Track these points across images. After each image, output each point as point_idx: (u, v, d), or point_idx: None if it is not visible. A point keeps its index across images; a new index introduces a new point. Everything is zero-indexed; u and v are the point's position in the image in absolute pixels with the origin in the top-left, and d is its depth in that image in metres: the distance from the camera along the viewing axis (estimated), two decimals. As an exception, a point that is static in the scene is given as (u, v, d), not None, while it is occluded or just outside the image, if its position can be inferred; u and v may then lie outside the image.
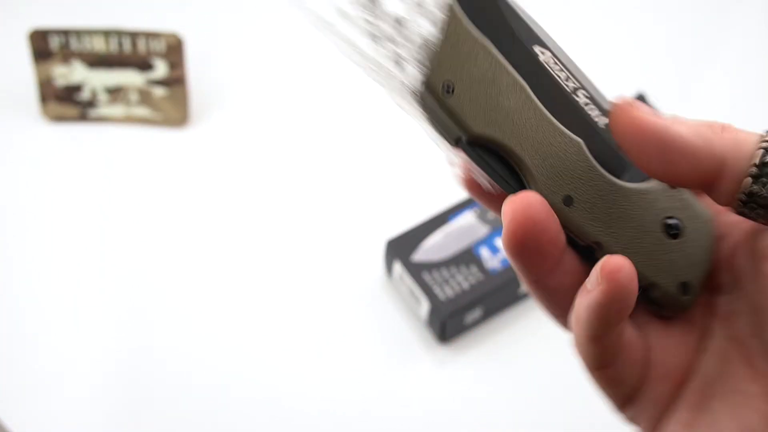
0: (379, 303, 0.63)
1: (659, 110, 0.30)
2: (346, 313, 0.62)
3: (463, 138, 0.31)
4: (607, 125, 0.32)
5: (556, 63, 0.33)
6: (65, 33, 0.69)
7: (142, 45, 0.70)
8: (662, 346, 0.31)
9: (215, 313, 0.63)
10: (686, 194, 0.32)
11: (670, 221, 0.32)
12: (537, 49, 0.32)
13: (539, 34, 0.33)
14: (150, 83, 0.71)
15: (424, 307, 0.60)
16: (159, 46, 0.70)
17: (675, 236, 0.31)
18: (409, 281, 0.61)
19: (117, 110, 0.72)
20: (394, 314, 0.62)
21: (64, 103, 0.72)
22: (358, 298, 0.63)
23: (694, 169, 0.29)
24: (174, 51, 0.70)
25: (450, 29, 0.30)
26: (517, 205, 0.29)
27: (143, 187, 0.69)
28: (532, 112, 0.31)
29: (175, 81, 0.71)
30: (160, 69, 0.71)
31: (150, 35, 0.69)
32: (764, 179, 0.27)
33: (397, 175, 0.70)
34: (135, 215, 0.67)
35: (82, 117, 0.73)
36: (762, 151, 0.28)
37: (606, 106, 0.33)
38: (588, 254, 0.31)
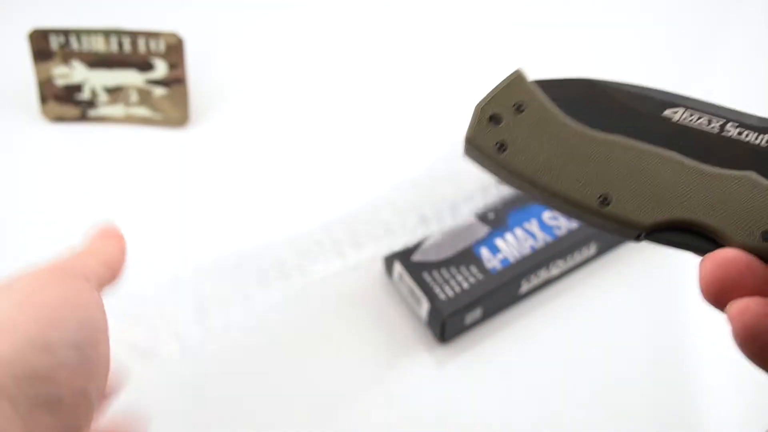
0: (379, 303, 0.63)
1: None
2: (346, 313, 0.62)
3: (642, 234, 0.31)
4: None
5: (692, 114, 0.33)
6: (65, 33, 0.69)
7: (142, 45, 0.70)
8: None
9: (215, 314, 0.63)
10: None
11: None
12: (668, 112, 0.33)
13: (662, 97, 0.34)
14: (150, 83, 0.71)
15: (424, 307, 0.60)
16: (159, 46, 0.70)
17: None
18: (409, 281, 0.61)
19: (117, 110, 0.72)
20: (394, 314, 0.62)
21: (64, 103, 0.72)
22: (358, 297, 0.63)
23: None
24: (174, 51, 0.70)
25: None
26: (707, 268, 0.30)
27: (143, 187, 0.69)
28: (690, 174, 0.32)
29: (175, 81, 0.71)
30: (160, 69, 0.71)
31: (150, 35, 0.69)
32: None
33: (396, 175, 0.70)
34: (135, 215, 0.67)
35: (82, 117, 0.73)
36: None
37: (758, 123, 0.33)
38: None
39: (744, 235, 0.31)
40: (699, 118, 0.33)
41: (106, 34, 0.69)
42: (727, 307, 0.31)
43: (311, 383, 0.59)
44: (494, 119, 0.35)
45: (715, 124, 0.33)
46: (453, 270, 0.60)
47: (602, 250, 0.65)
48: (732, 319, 0.30)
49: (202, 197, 0.69)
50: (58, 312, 0.36)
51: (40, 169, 0.70)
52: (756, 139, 0.32)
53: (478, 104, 0.36)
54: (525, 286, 0.62)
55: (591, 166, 0.32)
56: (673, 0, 0.84)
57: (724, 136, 0.33)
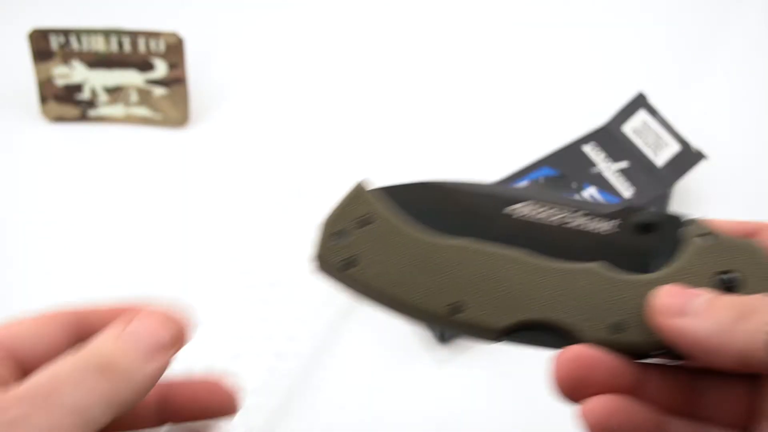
0: (379, 303, 0.63)
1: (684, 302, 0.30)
2: (346, 313, 0.62)
3: (495, 336, 0.32)
4: (616, 225, 0.32)
5: (535, 206, 0.33)
6: (65, 33, 0.69)
7: (142, 45, 0.70)
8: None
9: (215, 313, 0.63)
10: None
11: (724, 277, 0.32)
12: (510, 209, 0.33)
13: (506, 194, 0.33)
14: (150, 83, 0.71)
15: (424, 307, 0.60)
16: (159, 46, 0.70)
17: (731, 289, 0.32)
18: (409, 281, 0.61)
19: (117, 110, 0.73)
20: (394, 314, 0.62)
21: (64, 103, 0.72)
22: (358, 298, 0.63)
23: (721, 362, 0.29)
24: (174, 51, 0.70)
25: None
26: (556, 367, 0.32)
27: (143, 187, 0.69)
28: (536, 272, 0.31)
29: (175, 81, 0.71)
30: (160, 69, 0.71)
31: (150, 35, 0.69)
32: None
33: (395, 175, 0.69)
34: (135, 215, 0.67)
35: (82, 117, 0.73)
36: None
37: (606, 209, 0.33)
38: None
39: (592, 329, 0.31)
40: (543, 210, 0.33)
41: (106, 34, 0.69)
42: (580, 406, 0.32)
43: (311, 382, 0.59)
44: (340, 235, 0.34)
45: (560, 215, 0.33)
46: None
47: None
48: (584, 418, 0.31)
49: (202, 197, 0.69)
50: None
51: (40, 169, 0.70)
52: (603, 225, 0.32)
53: (322, 221, 0.35)
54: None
55: (440, 275, 0.32)
56: (673, 0, 0.84)
57: (569, 228, 0.32)
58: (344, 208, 0.34)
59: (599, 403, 0.31)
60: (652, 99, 0.69)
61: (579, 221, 0.32)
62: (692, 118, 0.72)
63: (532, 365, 0.61)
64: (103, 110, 0.72)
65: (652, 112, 0.68)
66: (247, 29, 0.80)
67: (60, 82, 0.71)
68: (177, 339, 0.34)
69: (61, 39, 0.69)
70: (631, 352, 0.31)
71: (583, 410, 0.32)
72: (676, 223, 0.32)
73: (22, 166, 0.70)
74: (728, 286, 0.31)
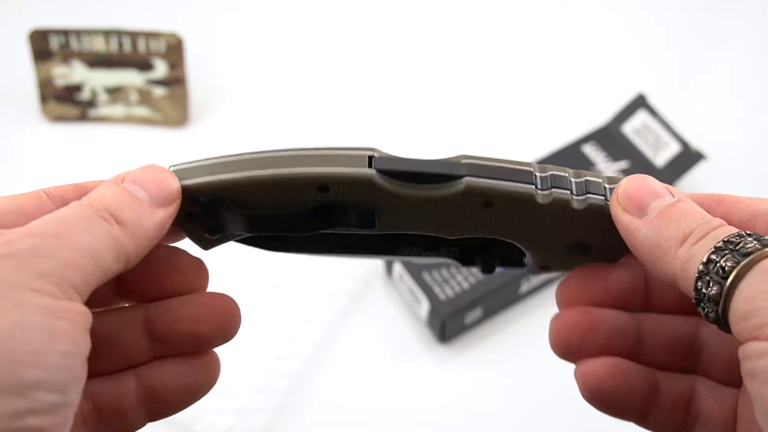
0: (379, 303, 0.63)
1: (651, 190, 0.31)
2: (346, 313, 0.62)
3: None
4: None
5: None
6: (65, 33, 0.69)
7: (142, 45, 0.70)
8: None
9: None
10: None
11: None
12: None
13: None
14: (150, 83, 0.71)
15: (424, 306, 0.60)
16: (159, 46, 0.70)
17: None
18: (409, 281, 0.61)
19: (117, 110, 0.73)
20: (394, 314, 0.62)
21: (64, 103, 0.72)
22: (358, 297, 0.63)
23: (654, 272, 0.30)
24: (174, 51, 0.70)
25: None
26: (553, 330, 0.33)
27: (143, 187, 0.69)
28: None
29: (175, 81, 0.71)
30: (160, 69, 0.71)
31: (150, 35, 0.69)
32: (704, 304, 0.28)
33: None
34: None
35: (82, 117, 0.73)
36: (696, 276, 0.28)
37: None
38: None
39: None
40: None
41: (106, 34, 0.69)
42: (575, 368, 0.32)
43: (311, 383, 0.59)
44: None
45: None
46: (453, 270, 0.60)
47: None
48: (577, 381, 0.32)
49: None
50: None
51: (40, 169, 0.70)
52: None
53: None
54: (525, 286, 0.62)
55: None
56: (673, 0, 0.84)
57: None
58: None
59: (592, 367, 0.31)
60: (652, 99, 0.69)
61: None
62: (692, 118, 0.72)
63: (532, 365, 0.61)
64: (103, 110, 0.72)
65: (652, 112, 0.69)
66: (247, 29, 0.80)
67: (60, 82, 0.71)
68: (178, 190, 0.32)
69: (61, 39, 0.69)
70: None
71: (577, 374, 0.32)
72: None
73: (22, 166, 0.70)
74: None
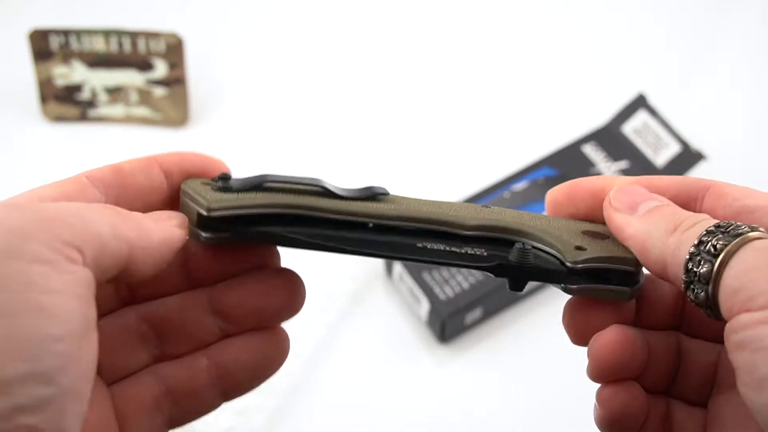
0: (379, 303, 0.63)
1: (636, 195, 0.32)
2: (346, 313, 0.62)
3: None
4: None
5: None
6: (65, 33, 0.69)
7: (142, 45, 0.70)
8: None
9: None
10: None
11: None
12: None
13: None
14: (150, 83, 0.71)
15: (424, 306, 0.60)
16: (159, 46, 0.70)
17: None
18: (409, 281, 0.61)
19: (117, 110, 0.73)
20: (394, 314, 0.62)
21: (64, 103, 0.72)
22: (358, 297, 0.63)
23: (646, 264, 0.31)
24: (174, 51, 0.70)
25: None
26: (595, 353, 0.33)
27: (143, 187, 0.69)
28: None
29: (175, 81, 0.71)
30: (160, 69, 0.71)
31: (150, 35, 0.69)
32: (693, 285, 0.28)
33: (395, 175, 0.70)
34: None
35: (82, 117, 0.73)
36: (687, 258, 0.28)
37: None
38: None
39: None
40: None
41: (106, 34, 0.69)
42: (596, 391, 0.32)
43: (311, 383, 0.59)
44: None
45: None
46: (453, 270, 0.60)
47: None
48: (600, 405, 0.32)
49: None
50: None
51: (40, 169, 0.70)
52: None
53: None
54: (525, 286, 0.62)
55: None
56: (673, 0, 0.84)
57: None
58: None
59: (617, 392, 0.32)
60: (652, 99, 0.69)
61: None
62: (692, 118, 0.72)
63: (532, 365, 0.61)
64: (103, 110, 0.72)
65: (652, 112, 0.68)
66: (247, 29, 0.80)
67: (60, 82, 0.71)
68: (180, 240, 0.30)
69: (61, 39, 0.69)
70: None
71: (601, 397, 0.32)
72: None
73: (22, 166, 0.70)
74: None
